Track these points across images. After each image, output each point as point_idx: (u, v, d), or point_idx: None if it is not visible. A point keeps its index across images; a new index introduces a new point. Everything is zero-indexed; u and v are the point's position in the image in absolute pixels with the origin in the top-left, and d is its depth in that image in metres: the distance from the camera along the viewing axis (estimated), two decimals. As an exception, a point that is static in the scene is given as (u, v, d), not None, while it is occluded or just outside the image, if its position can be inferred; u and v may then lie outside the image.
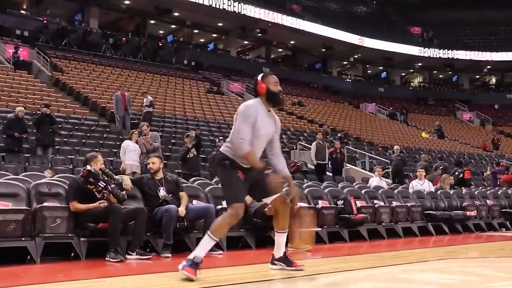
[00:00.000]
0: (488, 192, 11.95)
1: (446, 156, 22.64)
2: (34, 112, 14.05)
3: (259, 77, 4.28)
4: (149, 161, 6.50)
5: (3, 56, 20.95)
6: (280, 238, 4.47)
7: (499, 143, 30.03)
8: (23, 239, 5.11)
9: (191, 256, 4.00)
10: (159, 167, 6.35)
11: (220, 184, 4.58)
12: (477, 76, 45.13)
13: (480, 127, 36.49)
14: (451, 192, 10.77)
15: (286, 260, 4.44)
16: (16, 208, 5.25)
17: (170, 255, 5.65)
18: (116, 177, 5.99)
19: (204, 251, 4.05)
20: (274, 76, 4.32)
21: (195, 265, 3.94)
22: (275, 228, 4.49)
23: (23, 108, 11.70)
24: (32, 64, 21.00)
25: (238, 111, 4.23)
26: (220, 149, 4.37)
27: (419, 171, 11.15)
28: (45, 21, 25.29)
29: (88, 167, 5.61)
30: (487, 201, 11.02)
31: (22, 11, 28.15)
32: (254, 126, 4.15)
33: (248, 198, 6.74)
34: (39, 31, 24.76)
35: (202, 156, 12.07)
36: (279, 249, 4.47)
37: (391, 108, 33.96)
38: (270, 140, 4.39)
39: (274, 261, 4.48)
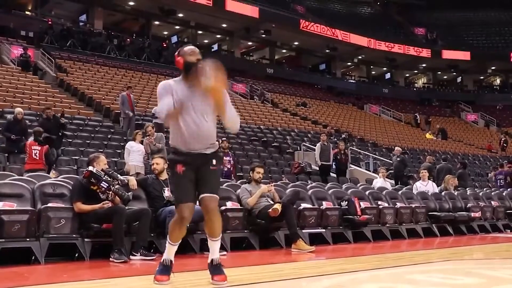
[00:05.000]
0: (493, 193, 11.92)
1: (451, 157, 22.61)
2: (39, 113, 14.09)
3: (176, 52, 3.98)
4: (153, 161, 6.53)
5: (8, 57, 21.04)
6: (211, 245, 4.00)
7: (505, 144, 29.87)
8: (28, 239, 5.13)
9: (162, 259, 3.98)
10: (163, 168, 6.36)
11: None
12: (482, 77, 45.02)
13: (484, 128, 36.39)
14: (455, 193, 10.75)
15: (210, 269, 3.94)
16: (20, 208, 5.26)
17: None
18: (121, 177, 5.99)
19: (170, 253, 3.97)
20: (190, 46, 4.02)
21: (164, 270, 3.91)
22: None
23: (21, 110, 11.64)
24: (37, 65, 21.05)
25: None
26: None
27: (422, 172, 11.14)
28: (50, 22, 25.38)
29: (90, 167, 5.62)
30: (492, 202, 10.99)
31: (27, 12, 28.25)
32: (175, 100, 3.81)
33: (252, 201, 6.79)
34: (44, 32, 24.84)
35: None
36: (210, 254, 3.99)
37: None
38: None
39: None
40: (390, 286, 4.09)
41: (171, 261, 3.93)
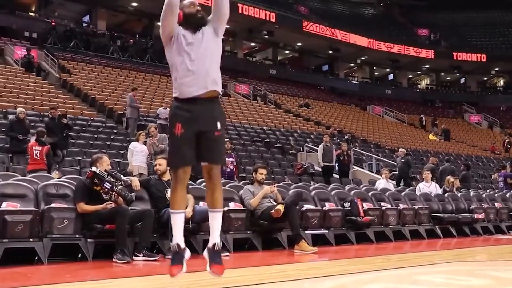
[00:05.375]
0: (496, 195, 11.90)
1: (454, 158, 22.56)
2: (42, 113, 14.11)
3: None
4: (156, 162, 6.55)
5: (12, 57, 21.08)
6: (210, 220, 3.80)
7: (509, 146, 29.76)
8: (31, 239, 5.14)
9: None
10: (166, 169, 6.36)
11: None
12: (485, 78, 44.93)
13: (488, 129, 36.29)
14: (459, 194, 10.73)
15: (211, 256, 3.69)
16: (24, 209, 5.27)
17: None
18: (125, 178, 6.01)
19: (175, 232, 3.69)
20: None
21: (175, 258, 3.62)
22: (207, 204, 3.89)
23: (23, 109, 11.67)
24: (40, 66, 21.09)
25: None
26: None
27: (425, 174, 11.11)
28: (53, 23, 25.45)
29: (94, 168, 5.63)
30: (495, 203, 10.96)
31: (30, 13, 28.31)
32: (178, 42, 3.69)
33: (254, 202, 6.78)
34: (47, 32, 24.89)
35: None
36: (211, 235, 3.75)
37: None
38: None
39: (207, 249, 3.79)
40: (393, 287, 4.08)
41: (178, 245, 3.64)
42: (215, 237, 3.70)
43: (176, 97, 3.75)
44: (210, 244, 3.70)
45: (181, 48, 3.70)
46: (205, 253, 3.73)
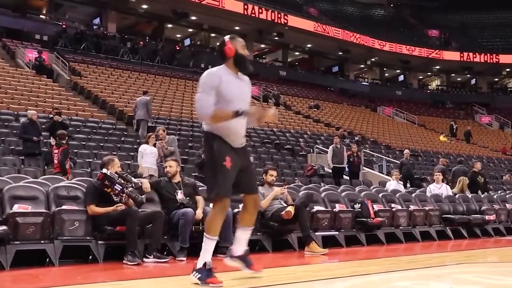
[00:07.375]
0: (507, 196, 11.81)
1: (464, 159, 22.39)
2: (48, 114, 14.21)
3: (227, 38, 4.03)
4: (166, 164, 6.55)
5: (23, 60, 21.24)
6: (242, 235, 4.22)
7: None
8: (42, 241, 5.17)
9: (200, 265, 3.89)
10: (176, 171, 6.38)
11: (205, 168, 4.18)
12: (496, 79, 44.64)
13: (499, 130, 36.06)
14: (470, 196, 10.66)
15: (245, 260, 4.18)
16: (35, 211, 5.31)
17: (185, 258, 5.66)
18: (135, 180, 6.03)
19: (208, 253, 3.93)
20: (242, 40, 4.07)
21: (210, 273, 3.85)
22: (240, 223, 4.24)
23: (35, 112, 11.76)
24: (51, 68, 21.23)
25: (199, 81, 4.00)
26: (203, 127, 4.13)
27: (436, 175, 11.04)
28: (64, 26, 25.60)
29: (104, 170, 5.66)
30: (507, 205, 10.88)
31: (41, 16, 28.51)
32: (219, 91, 3.87)
33: (265, 203, 6.78)
34: (58, 35, 25.05)
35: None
36: (240, 245, 4.21)
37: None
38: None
39: (233, 257, 4.21)
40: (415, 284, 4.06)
41: (211, 263, 3.90)
42: (245, 245, 4.22)
43: (218, 135, 3.96)
44: (242, 252, 4.18)
45: (226, 96, 3.91)
46: (235, 261, 4.18)
